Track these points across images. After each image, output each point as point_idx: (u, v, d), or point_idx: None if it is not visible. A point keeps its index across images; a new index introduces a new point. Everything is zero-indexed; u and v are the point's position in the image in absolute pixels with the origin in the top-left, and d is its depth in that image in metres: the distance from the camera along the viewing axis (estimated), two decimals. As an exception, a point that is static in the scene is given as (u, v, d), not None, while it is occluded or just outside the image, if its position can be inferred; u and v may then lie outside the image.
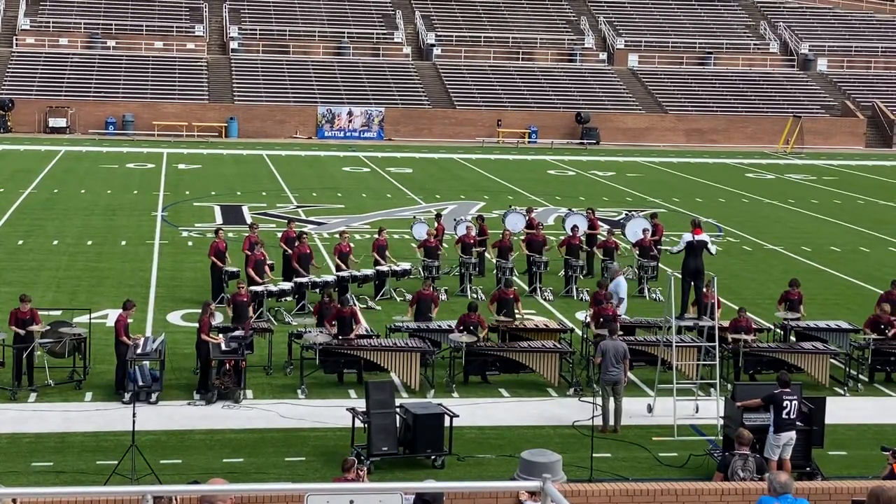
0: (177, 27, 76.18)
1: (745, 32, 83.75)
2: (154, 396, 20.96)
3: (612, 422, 20.27)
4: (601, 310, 23.41)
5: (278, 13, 78.94)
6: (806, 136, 72.36)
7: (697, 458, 18.92)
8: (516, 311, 24.53)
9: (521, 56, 78.14)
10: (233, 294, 24.28)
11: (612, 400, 20.31)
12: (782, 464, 17.61)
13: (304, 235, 29.52)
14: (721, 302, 24.60)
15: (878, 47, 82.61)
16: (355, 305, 25.47)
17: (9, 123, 66.47)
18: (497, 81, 75.26)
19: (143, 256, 33.52)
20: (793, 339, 24.53)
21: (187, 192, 46.33)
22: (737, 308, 24.11)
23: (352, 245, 29.69)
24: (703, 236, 23.84)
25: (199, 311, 22.42)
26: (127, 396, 20.54)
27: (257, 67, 74.01)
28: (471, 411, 20.68)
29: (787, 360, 22.84)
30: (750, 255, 36.49)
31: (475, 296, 29.16)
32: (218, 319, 23.88)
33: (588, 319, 24.48)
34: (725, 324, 23.82)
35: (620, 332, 21.62)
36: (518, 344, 23.16)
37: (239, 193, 46.49)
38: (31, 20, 74.93)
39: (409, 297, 27.06)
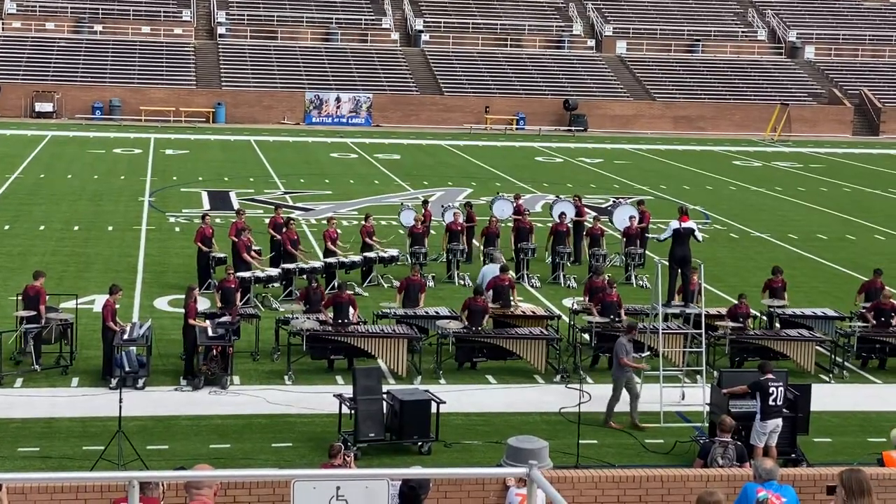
0: (164, 12, 75.93)
1: (732, 20, 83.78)
2: (141, 382, 20.95)
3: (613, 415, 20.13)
4: (605, 296, 23.38)
5: (266, -2, 78.77)
6: (793, 123, 72.45)
7: (683, 444, 18.97)
8: (511, 298, 24.54)
9: (509, 43, 78.07)
10: (221, 280, 24.27)
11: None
12: (768, 451, 17.67)
13: (292, 221, 29.52)
14: (706, 289, 24.63)
15: (865, 35, 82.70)
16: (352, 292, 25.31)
17: (-5, 108, 66.26)
18: (485, 68, 75.19)
19: (130, 242, 33.46)
20: (777, 325, 24.62)
21: (174, 178, 46.24)
22: (723, 295, 24.16)
23: (339, 231, 29.69)
24: (690, 224, 23.87)
25: (185, 296, 22.42)
26: (114, 382, 20.52)
27: (245, 53, 73.82)
28: (458, 398, 20.70)
29: (773, 347, 22.93)
30: (736, 242, 36.56)
31: (462, 283, 29.22)
32: (204, 305, 23.85)
33: (577, 307, 24.53)
34: (724, 310, 23.95)
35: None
36: (505, 331, 23.19)
37: (226, 179, 46.41)
38: (18, 4, 74.59)
39: (396, 283, 27.08)
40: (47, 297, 22.42)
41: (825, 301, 27.45)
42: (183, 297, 23.55)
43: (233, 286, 23.56)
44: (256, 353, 22.90)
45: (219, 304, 23.34)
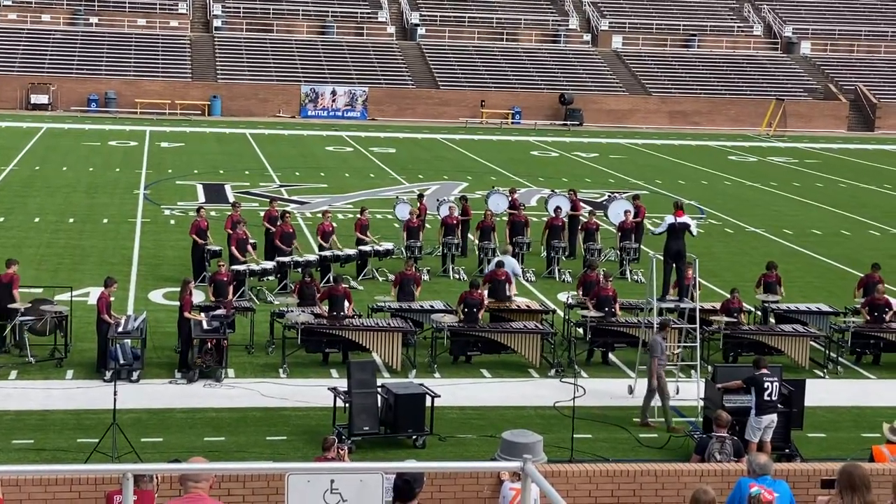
0: (160, 4, 75.76)
1: (728, 15, 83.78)
2: (135, 375, 20.94)
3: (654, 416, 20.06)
4: (600, 291, 23.39)
5: (262, -9, 78.65)
6: (789, 118, 72.51)
7: (677, 439, 19.00)
8: (509, 292, 24.59)
9: (505, 37, 78.03)
10: (213, 273, 24.26)
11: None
12: (762, 446, 17.69)
13: (287, 214, 29.50)
14: (701, 284, 24.67)
15: (861, 31, 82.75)
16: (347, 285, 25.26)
17: (-10, 100, 66.17)
18: (481, 62, 75.15)
19: (124, 234, 33.43)
20: (772, 321, 24.64)
21: (170, 171, 46.20)
22: (717, 290, 24.18)
23: (335, 224, 29.68)
24: (685, 218, 23.88)
25: (180, 289, 22.41)
26: (108, 374, 20.51)
27: (241, 46, 73.74)
28: (452, 391, 20.71)
29: (768, 342, 22.94)
30: (731, 237, 36.59)
31: (457, 276, 29.23)
32: (199, 298, 23.84)
33: (571, 301, 24.53)
34: (718, 305, 23.98)
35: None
36: (500, 325, 23.21)
37: (221, 172, 46.36)
38: (13, -4, 74.49)
39: (391, 277, 27.09)
40: (42, 289, 22.39)
41: (819, 296, 27.48)
42: (177, 289, 23.54)
43: (225, 279, 23.53)
44: (251, 347, 22.90)
45: (211, 297, 23.30)
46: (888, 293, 24.81)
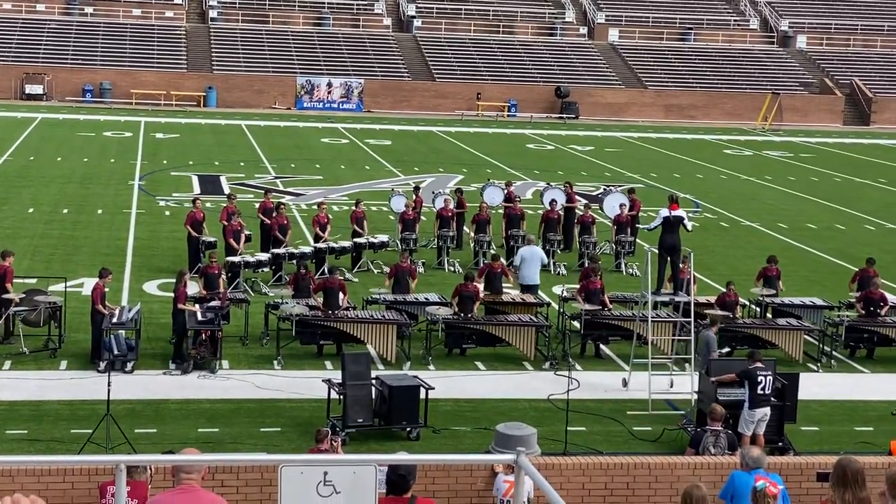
0: (155, -5, 75.66)
1: (725, 8, 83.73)
2: (129, 365, 20.93)
3: None
4: (589, 284, 23.42)
5: (258, -18, 78.48)
6: (784, 112, 72.51)
7: (671, 432, 19.02)
8: (509, 283, 24.61)
9: (501, 29, 77.95)
10: (204, 265, 24.25)
11: None
12: (756, 439, 17.72)
13: (282, 206, 29.49)
14: (696, 277, 24.68)
15: (857, 25, 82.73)
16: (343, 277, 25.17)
17: (-15, 90, 66.01)
18: (477, 54, 75.08)
19: (119, 225, 33.40)
20: (769, 315, 24.66)
21: (165, 162, 46.15)
22: (712, 283, 24.18)
23: (330, 216, 29.67)
24: (680, 212, 23.88)
25: (175, 280, 22.40)
26: (102, 365, 20.49)
27: (236, 37, 73.61)
28: (446, 384, 20.71)
29: (762, 335, 22.96)
30: (726, 231, 36.60)
31: (452, 269, 29.22)
32: (192, 290, 23.84)
33: (566, 294, 24.54)
34: (713, 298, 23.99)
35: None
36: (495, 317, 23.21)
37: (217, 163, 46.32)
38: (9, -14, 74.32)
39: (386, 269, 27.07)
40: (36, 279, 22.35)
41: (814, 290, 27.49)
42: (172, 280, 23.53)
43: (216, 271, 23.51)
44: (246, 338, 22.89)
45: (202, 290, 23.26)
46: (882, 288, 24.82)
